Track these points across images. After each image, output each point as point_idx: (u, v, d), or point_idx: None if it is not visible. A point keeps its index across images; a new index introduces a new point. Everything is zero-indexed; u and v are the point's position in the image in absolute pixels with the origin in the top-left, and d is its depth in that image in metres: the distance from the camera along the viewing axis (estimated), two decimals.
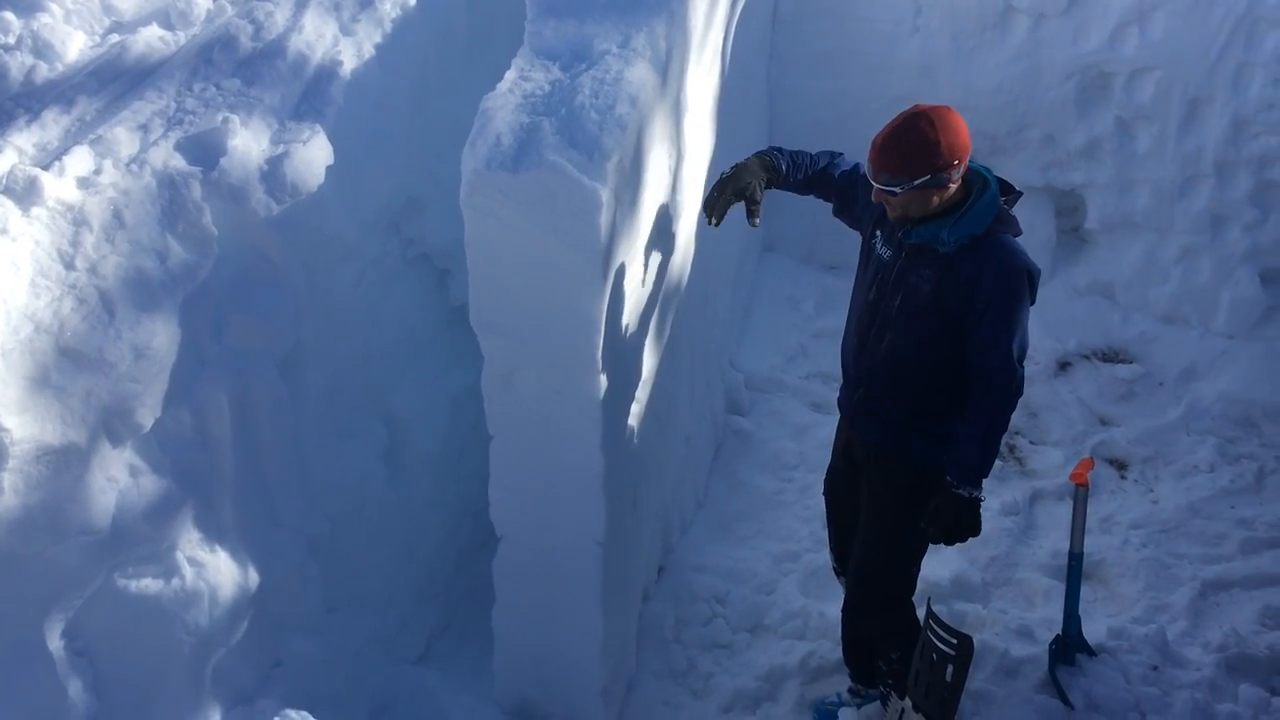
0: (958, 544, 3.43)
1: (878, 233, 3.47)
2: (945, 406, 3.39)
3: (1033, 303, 3.32)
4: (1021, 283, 3.26)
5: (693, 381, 4.66)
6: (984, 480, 3.36)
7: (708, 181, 4.49)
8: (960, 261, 3.25)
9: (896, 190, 3.18)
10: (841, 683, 4.05)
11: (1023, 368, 3.32)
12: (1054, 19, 5.62)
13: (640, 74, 3.47)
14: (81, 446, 2.91)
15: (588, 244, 3.20)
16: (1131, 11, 5.50)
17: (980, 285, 3.23)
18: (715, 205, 3.43)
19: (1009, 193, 3.37)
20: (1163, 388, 5.52)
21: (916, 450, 3.45)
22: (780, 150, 3.60)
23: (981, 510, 3.37)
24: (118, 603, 3.04)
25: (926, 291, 3.30)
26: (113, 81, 3.51)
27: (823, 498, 3.94)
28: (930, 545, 3.57)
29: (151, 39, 3.68)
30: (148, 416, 3.05)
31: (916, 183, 3.16)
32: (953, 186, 3.21)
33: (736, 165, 3.51)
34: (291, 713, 3.28)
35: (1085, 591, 4.23)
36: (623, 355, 3.56)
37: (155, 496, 3.10)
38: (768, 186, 3.52)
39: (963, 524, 3.35)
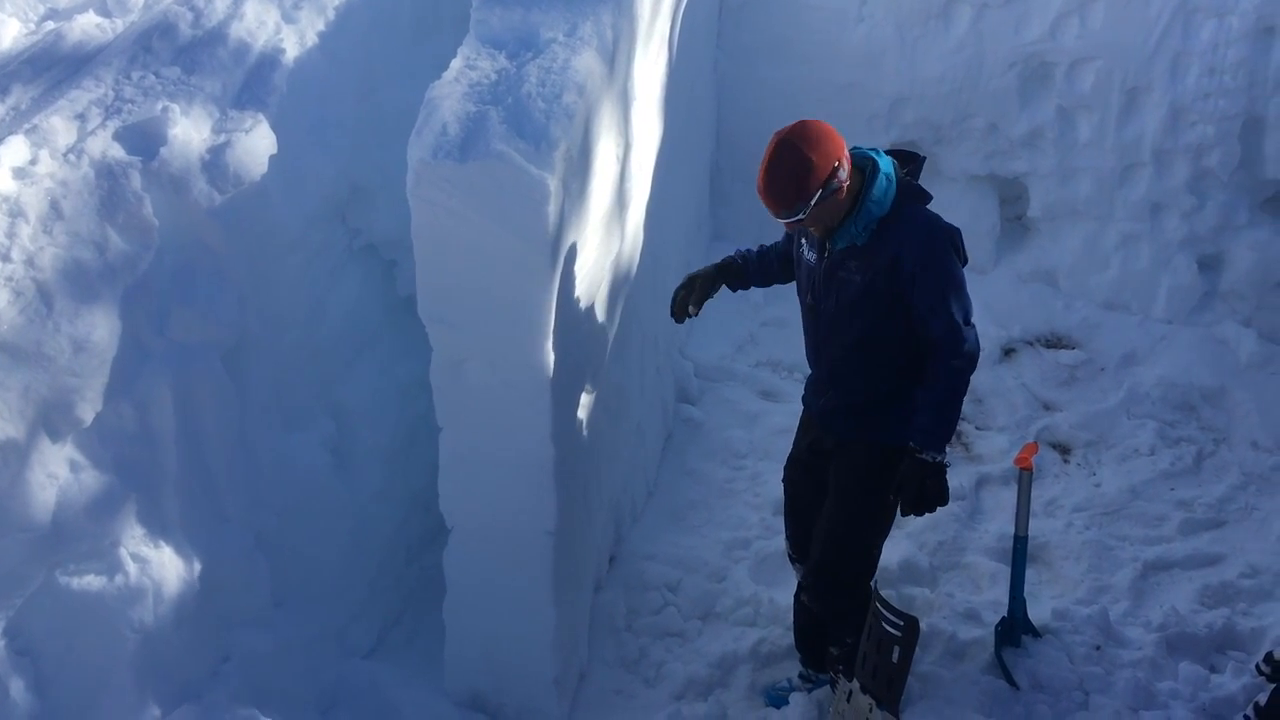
0: (926, 514, 3.48)
1: (803, 241, 3.55)
2: (911, 383, 3.44)
3: (964, 262, 3.39)
4: (941, 246, 3.34)
5: (642, 370, 4.66)
6: (946, 447, 3.41)
7: (656, 170, 4.50)
8: (879, 245, 3.33)
9: (802, 216, 3.26)
10: (792, 668, 4.08)
11: (971, 327, 3.38)
12: (996, 9, 5.68)
13: (587, 63, 3.46)
14: (20, 442, 2.85)
15: (536, 234, 3.19)
16: (1071, 2, 5.57)
17: (903, 261, 3.30)
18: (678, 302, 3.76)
19: (911, 160, 3.46)
20: (1104, 373, 5.61)
21: (885, 432, 3.49)
22: (744, 252, 3.83)
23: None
24: (60, 600, 2.99)
25: (857, 282, 3.37)
26: (48, 70, 3.44)
27: (781, 485, 3.96)
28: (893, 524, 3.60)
29: (88, 26, 3.61)
30: (88, 411, 3.00)
31: (814, 202, 3.23)
32: (846, 185, 3.27)
33: (691, 275, 3.78)
34: (240, 709, 3.26)
35: (1030, 574, 4.29)
36: (572, 345, 3.55)
37: (97, 492, 3.05)
38: (731, 283, 3.79)
39: (929, 492, 3.40)
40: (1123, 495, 4.95)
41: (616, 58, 3.71)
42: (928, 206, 3.42)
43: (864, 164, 3.34)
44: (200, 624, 3.32)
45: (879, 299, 3.36)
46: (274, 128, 3.50)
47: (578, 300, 3.56)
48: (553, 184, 3.14)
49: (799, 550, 3.88)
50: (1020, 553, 4.05)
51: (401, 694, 3.84)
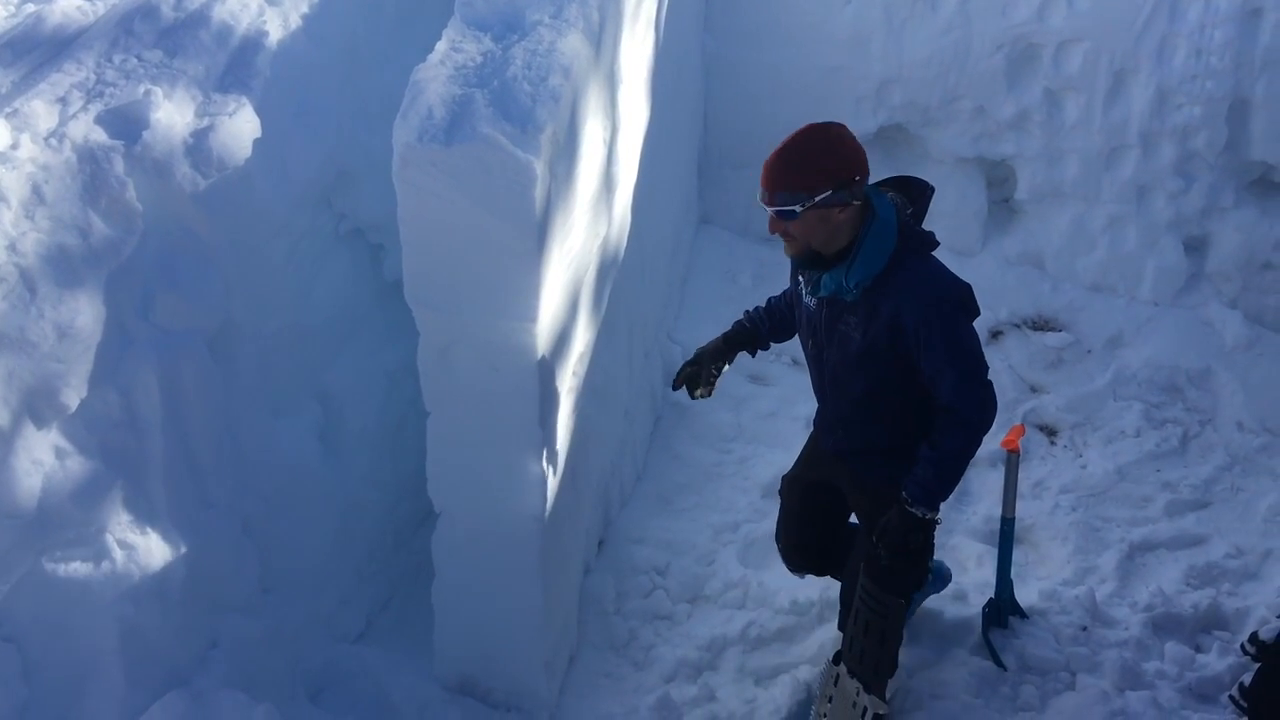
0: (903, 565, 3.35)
1: (800, 279, 3.36)
2: (927, 424, 3.29)
3: (976, 315, 3.18)
4: (947, 306, 3.13)
5: (630, 354, 4.66)
6: (940, 504, 3.28)
7: (644, 153, 4.48)
8: (880, 302, 3.12)
9: (796, 209, 3.01)
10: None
11: (987, 385, 3.20)
12: None
13: (573, 45, 3.44)
14: (4, 429, 2.84)
15: (522, 217, 3.17)
16: None
17: (904, 322, 3.10)
18: (682, 378, 3.60)
19: (920, 193, 3.24)
20: (1091, 355, 5.63)
21: (903, 470, 3.33)
22: (751, 313, 3.67)
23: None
24: (46, 587, 2.98)
25: (857, 339, 3.20)
26: (29, 53, 3.41)
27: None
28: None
29: (69, 8, 3.58)
30: (73, 397, 2.98)
31: (817, 199, 3.00)
32: (855, 205, 3.04)
33: (700, 350, 3.62)
34: (229, 694, 3.26)
35: (1017, 555, 4.31)
36: (559, 329, 3.54)
37: (83, 478, 3.03)
38: (748, 348, 3.62)
39: (911, 546, 3.27)
40: (1109, 477, 4.97)
41: (603, 40, 3.69)
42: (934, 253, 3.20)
43: (865, 210, 3.11)
44: (188, 610, 3.31)
45: (882, 358, 3.18)
46: (258, 111, 3.48)
47: (565, 283, 3.55)
48: (539, 167, 3.12)
49: (792, 563, 3.87)
50: (1007, 535, 4.07)
51: (390, 679, 3.84)
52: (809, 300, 3.33)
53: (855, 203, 3.05)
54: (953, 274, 3.20)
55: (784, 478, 3.85)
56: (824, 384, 3.44)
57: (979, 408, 3.21)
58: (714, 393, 3.62)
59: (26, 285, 2.90)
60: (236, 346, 3.52)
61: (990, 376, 3.27)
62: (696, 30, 5.86)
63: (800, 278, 3.37)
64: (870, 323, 3.17)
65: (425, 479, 3.66)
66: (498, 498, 3.60)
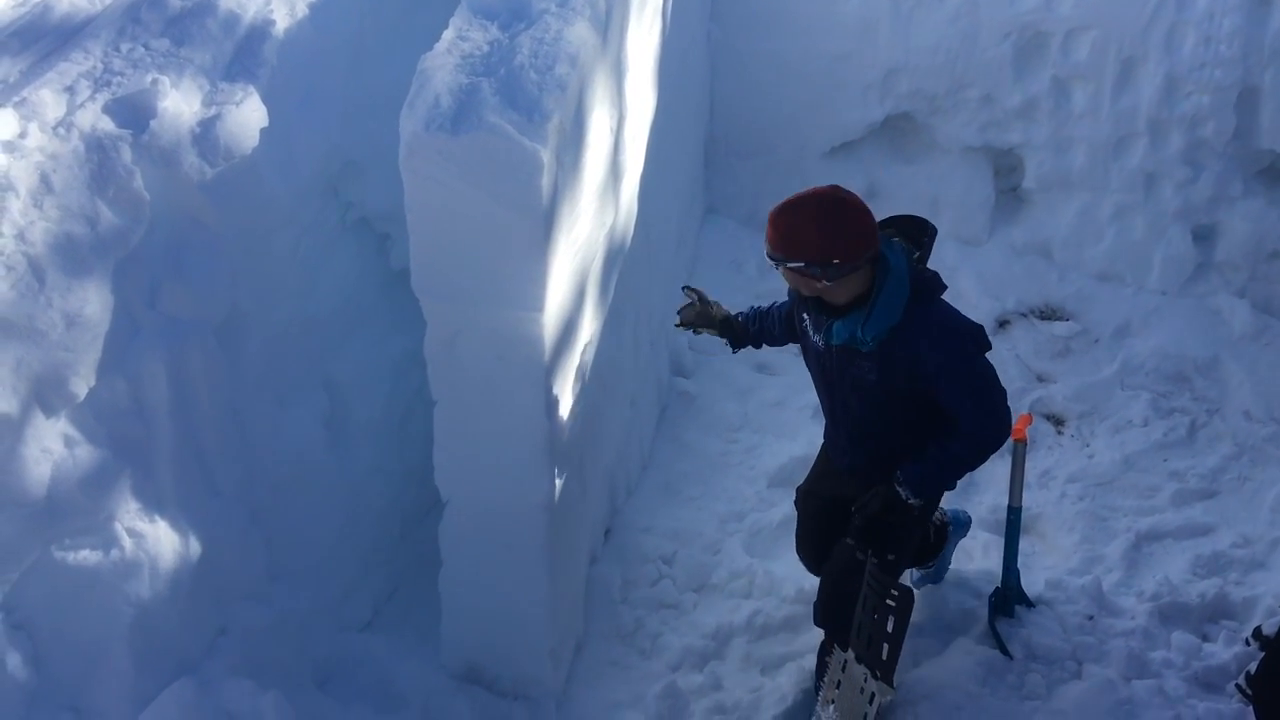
0: (874, 554, 3.39)
1: (805, 316, 3.40)
2: (936, 431, 3.34)
3: (988, 349, 3.25)
4: (964, 346, 3.21)
5: (636, 344, 4.66)
6: (929, 498, 3.34)
7: (650, 142, 4.47)
8: (894, 348, 3.18)
9: (818, 272, 3.05)
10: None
11: (1003, 410, 3.26)
12: None
13: (580, 33, 3.44)
14: (14, 417, 2.85)
15: (529, 206, 3.17)
16: None
17: (923, 363, 3.17)
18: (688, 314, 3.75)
19: (921, 233, 3.27)
20: (1098, 344, 5.62)
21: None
22: (741, 315, 3.78)
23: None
24: (56, 575, 2.99)
25: (873, 380, 3.26)
26: (36, 42, 3.40)
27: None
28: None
29: None
30: (81, 386, 2.99)
31: (844, 271, 3.05)
32: (860, 275, 3.11)
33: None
34: (237, 682, 3.27)
35: (1023, 545, 4.30)
36: (566, 318, 3.54)
37: (92, 467, 3.04)
38: (724, 332, 3.74)
39: (888, 520, 3.31)
40: (1116, 466, 4.96)
41: (609, 28, 3.69)
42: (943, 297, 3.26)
43: (879, 262, 3.14)
44: (196, 598, 3.33)
45: (898, 392, 3.25)
46: (265, 100, 3.48)
47: (571, 273, 3.55)
48: (546, 156, 3.12)
49: (816, 573, 3.89)
50: (1014, 524, 4.07)
51: (397, 667, 3.86)
52: (816, 340, 3.35)
53: (860, 272, 3.12)
54: (964, 316, 3.28)
55: (798, 489, 3.87)
56: (835, 408, 3.48)
57: (995, 430, 3.28)
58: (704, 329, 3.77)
59: (35, 274, 2.90)
60: (243, 336, 3.53)
61: (997, 365, 3.32)
62: (703, 18, 5.84)
63: (806, 316, 3.39)
64: (886, 366, 3.22)
65: (432, 468, 3.67)
66: (504, 487, 3.60)
